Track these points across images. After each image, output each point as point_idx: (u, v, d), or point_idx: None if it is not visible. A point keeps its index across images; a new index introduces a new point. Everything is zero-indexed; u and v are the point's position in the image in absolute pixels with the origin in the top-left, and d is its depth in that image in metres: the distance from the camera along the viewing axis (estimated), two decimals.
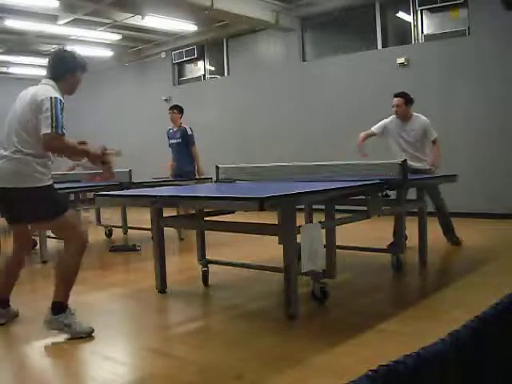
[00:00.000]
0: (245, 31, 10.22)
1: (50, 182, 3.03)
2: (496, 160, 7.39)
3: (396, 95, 5.37)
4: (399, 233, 4.51)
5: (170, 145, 7.27)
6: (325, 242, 3.38)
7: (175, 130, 7.20)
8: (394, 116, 5.43)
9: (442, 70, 7.81)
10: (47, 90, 2.96)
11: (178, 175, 7.09)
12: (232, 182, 4.64)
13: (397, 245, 4.53)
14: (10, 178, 2.93)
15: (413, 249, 4.71)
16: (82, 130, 12.81)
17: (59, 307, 2.99)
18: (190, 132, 7.10)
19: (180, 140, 7.11)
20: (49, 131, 2.82)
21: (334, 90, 8.95)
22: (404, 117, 5.35)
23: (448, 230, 5.50)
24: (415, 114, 5.40)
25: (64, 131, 2.86)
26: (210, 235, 4.33)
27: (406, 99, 5.32)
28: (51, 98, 2.88)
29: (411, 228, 4.83)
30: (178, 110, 7.25)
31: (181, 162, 7.12)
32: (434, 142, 5.33)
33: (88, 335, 2.96)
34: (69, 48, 3.33)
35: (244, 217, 3.47)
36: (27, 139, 2.92)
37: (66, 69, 3.11)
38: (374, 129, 5.58)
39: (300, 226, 3.12)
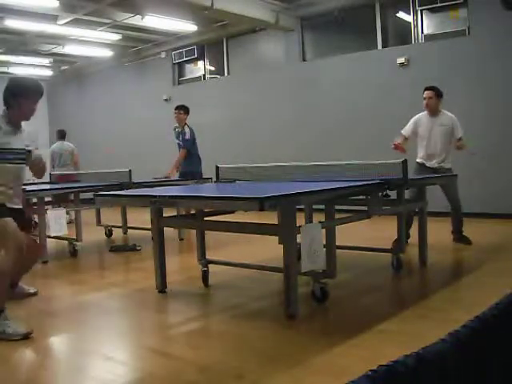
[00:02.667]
0: (245, 31, 10.22)
1: None
2: (496, 160, 7.38)
3: (427, 88, 5.38)
4: (400, 233, 4.51)
5: (177, 143, 7.27)
6: (325, 242, 3.38)
7: (179, 130, 7.17)
8: (423, 113, 5.43)
9: (442, 70, 7.81)
10: None
11: (182, 174, 7.08)
12: (232, 182, 4.65)
13: (397, 245, 4.53)
14: None
15: (413, 249, 4.71)
16: (82, 129, 12.84)
17: None
18: (187, 136, 7.06)
19: (182, 143, 7.11)
20: None
21: (334, 89, 8.95)
22: (434, 110, 5.34)
23: (455, 230, 5.56)
24: (444, 110, 5.43)
25: None
26: (210, 235, 4.33)
27: (437, 92, 5.33)
28: None
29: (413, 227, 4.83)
30: (184, 110, 7.19)
31: (185, 163, 7.11)
32: (459, 140, 5.39)
33: (23, 337, 2.92)
34: (23, 75, 3.52)
35: (244, 217, 3.47)
36: None
37: (13, 96, 3.18)
38: (403, 132, 5.47)
39: (300, 226, 3.12)
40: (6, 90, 3.20)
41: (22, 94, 3.20)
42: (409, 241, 5.06)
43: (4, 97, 3.19)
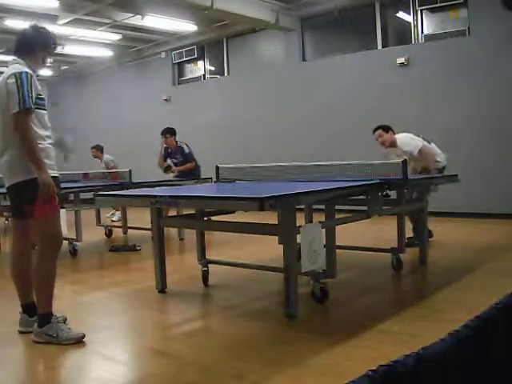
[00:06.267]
0: (245, 31, 10.22)
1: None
2: (498, 160, 7.38)
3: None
4: (400, 233, 4.50)
5: (171, 160, 7.26)
6: (325, 242, 3.38)
7: (172, 150, 7.15)
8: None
9: (442, 70, 7.81)
10: (12, 69, 2.81)
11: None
12: (232, 182, 4.64)
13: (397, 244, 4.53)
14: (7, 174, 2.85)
15: (413, 248, 4.71)
16: (82, 129, 12.84)
17: (45, 319, 2.86)
18: (187, 150, 7.10)
19: (182, 159, 7.12)
20: (17, 109, 2.66)
21: (334, 90, 8.95)
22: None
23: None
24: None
25: (31, 105, 2.69)
26: (210, 235, 4.33)
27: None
28: (15, 74, 2.73)
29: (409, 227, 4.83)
30: (170, 133, 7.15)
31: (183, 175, 7.15)
32: None
33: (77, 341, 2.84)
34: (36, 24, 3.09)
35: (244, 217, 3.47)
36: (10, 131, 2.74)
37: (33, 44, 2.94)
38: None
39: (300, 226, 3.12)
40: (35, 38, 2.93)
41: (51, 46, 3.01)
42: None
43: (27, 44, 2.91)
